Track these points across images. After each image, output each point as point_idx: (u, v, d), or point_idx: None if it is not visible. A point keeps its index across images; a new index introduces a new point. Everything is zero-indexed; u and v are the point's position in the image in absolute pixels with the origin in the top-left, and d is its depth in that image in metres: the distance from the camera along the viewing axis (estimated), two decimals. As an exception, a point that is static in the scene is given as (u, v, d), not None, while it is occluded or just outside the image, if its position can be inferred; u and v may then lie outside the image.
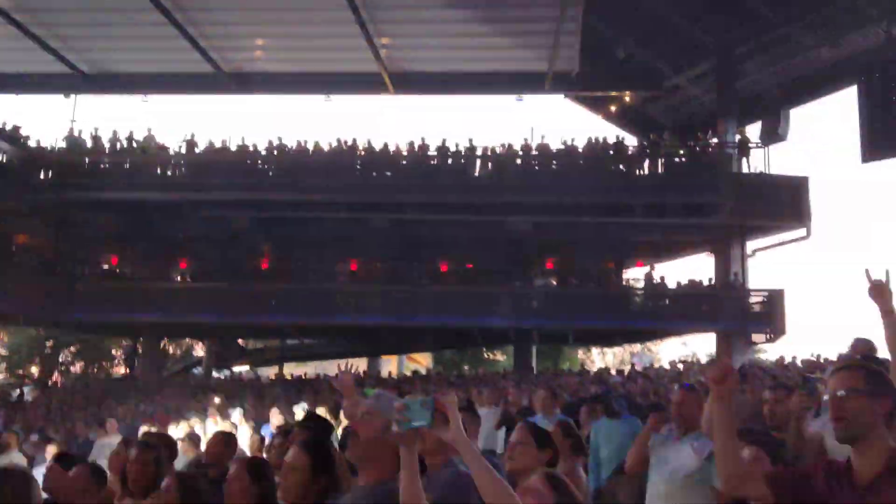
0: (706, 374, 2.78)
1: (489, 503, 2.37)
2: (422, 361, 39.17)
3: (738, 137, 24.59)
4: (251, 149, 25.02)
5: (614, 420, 7.52)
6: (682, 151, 24.04)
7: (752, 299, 23.42)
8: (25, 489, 3.23)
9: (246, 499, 3.71)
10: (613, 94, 26.89)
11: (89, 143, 25.59)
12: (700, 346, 41.03)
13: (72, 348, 33.33)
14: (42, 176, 24.83)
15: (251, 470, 3.77)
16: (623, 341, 34.23)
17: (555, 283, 25.81)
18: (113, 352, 35.57)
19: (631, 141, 25.96)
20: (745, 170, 24.20)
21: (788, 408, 4.25)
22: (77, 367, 33.50)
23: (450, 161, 24.34)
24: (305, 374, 30.20)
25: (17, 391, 27.26)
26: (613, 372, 23.26)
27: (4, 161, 24.35)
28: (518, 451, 3.86)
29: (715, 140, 24.77)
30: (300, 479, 3.11)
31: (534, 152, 24.11)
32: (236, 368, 33.87)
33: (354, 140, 25.01)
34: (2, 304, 23.14)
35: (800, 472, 2.79)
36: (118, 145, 25.42)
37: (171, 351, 38.30)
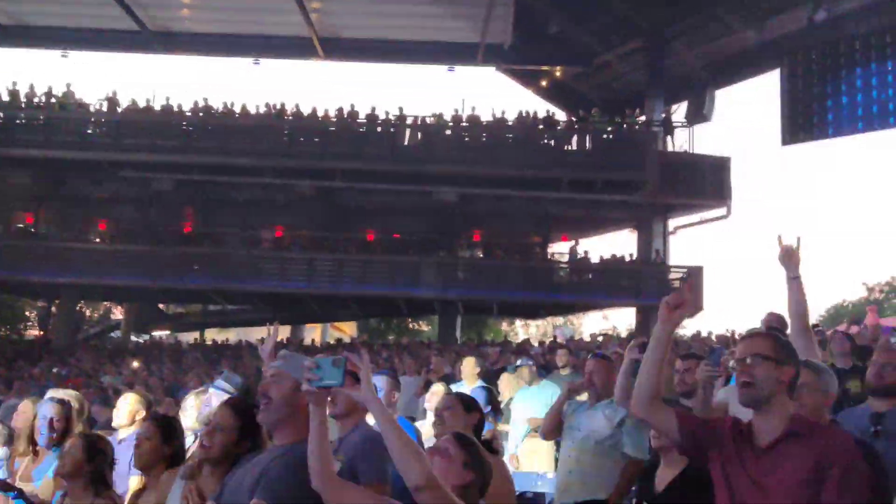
0: (667, 298, 2.83)
1: (398, 462, 2.37)
2: (346, 330, 39.05)
3: (663, 116, 25.01)
4: (176, 109, 24.44)
5: (534, 387, 7.63)
6: (609, 128, 24.31)
7: (672, 275, 23.92)
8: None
9: (156, 457, 3.69)
10: (544, 68, 27.02)
11: (5, 97, 24.63)
12: (621, 319, 41.95)
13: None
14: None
15: (162, 429, 3.75)
16: (546, 314, 34.65)
17: (481, 254, 25.96)
18: (27, 313, 34.62)
19: (560, 116, 26.16)
20: (669, 149, 24.65)
21: (696, 376, 4.37)
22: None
23: (379, 129, 24.18)
24: (227, 340, 29.84)
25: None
26: (536, 343, 23.56)
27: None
28: (446, 415, 3.89)
29: (642, 118, 25.12)
30: (226, 439, 3.11)
31: (464, 123, 24.10)
32: (156, 333, 33.28)
33: (283, 104, 24.63)
34: None
35: (710, 421, 2.86)
36: (36, 100, 24.54)
37: (87, 314, 37.41)
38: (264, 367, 5.15)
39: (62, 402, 5.09)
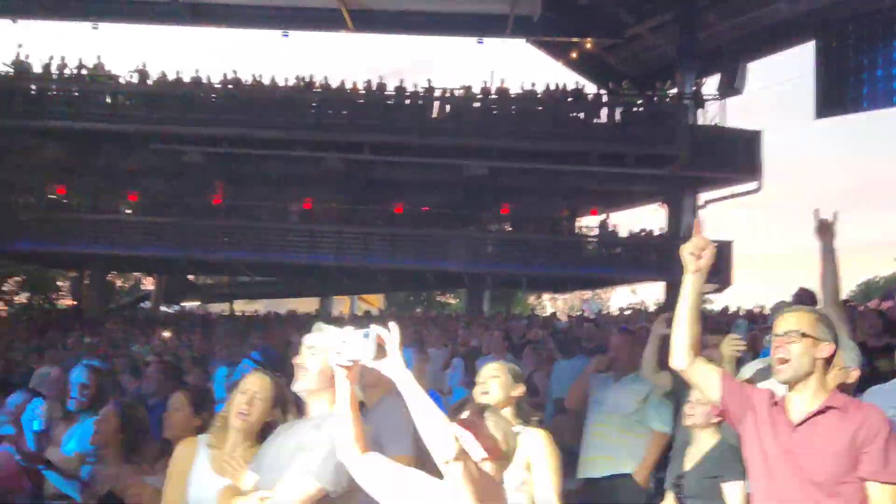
0: (686, 247, 2.90)
1: (426, 436, 2.39)
2: (374, 303, 39.27)
3: (694, 89, 24.72)
4: (205, 81, 24.53)
5: (569, 361, 7.60)
6: (639, 101, 24.06)
7: (702, 250, 23.70)
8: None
9: (188, 429, 3.73)
10: (574, 40, 26.75)
11: (38, 70, 24.84)
12: (649, 294, 41.75)
13: (16, 278, 32.74)
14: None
15: (193, 401, 3.79)
16: (575, 288, 34.60)
17: (509, 228, 25.92)
18: (58, 283, 35.06)
19: (590, 89, 25.96)
20: (700, 122, 24.38)
21: (722, 351, 4.36)
22: (21, 298, 32.94)
23: (407, 102, 24.14)
24: (256, 312, 30.11)
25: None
26: (564, 318, 23.56)
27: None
28: (492, 385, 3.88)
29: (673, 91, 24.81)
30: (263, 407, 3.27)
31: (493, 96, 23.97)
32: (186, 304, 33.63)
33: (311, 77, 24.65)
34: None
35: (750, 389, 2.89)
36: (67, 72, 24.73)
37: (118, 284, 37.83)
38: (295, 338, 5.20)
39: (94, 368, 5.19)
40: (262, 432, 3.25)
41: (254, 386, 3.29)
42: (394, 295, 41.05)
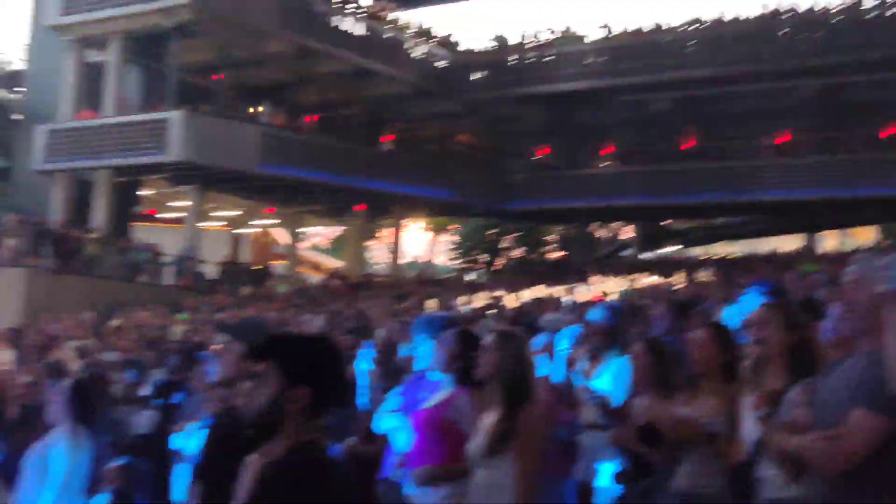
0: None
1: None
2: (866, 235, 36.30)
3: None
4: (665, 28, 24.62)
5: None
6: None
7: None
8: (524, 350, 3.77)
9: (711, 365, 3.93)
10: None
11: (514, 41, 26.96)
12: None
13: (513, 235, 35.97)
14: (474, 77, 26.70)
15: (718, 337, 3.99)
16: None
17: None
18: (547, 238, 37.61)
19: None
20: None
21: None
22: (518, 253, 36.07)
23: (890, 13, 21.80)
24: (733, 254, 29.59)
25: (472, 274, 30.51)
26: None
27: (443, 67, 26.54)
28: None
29: None
30: (778, 333, 3.43)
31: None
32: (665, 249, 34.12)
33: (778, 5, 23.43)
34: (449, 197, 25.91)
35: None
36: (539, 39, 26.46)
37: (600, 234, 39.53)
38: (785, 277, 5.15)
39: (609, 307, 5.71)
40: (792, 360, 3.33)
41: (760, 315, 3.40)
42: (888, 227, 37.48)
